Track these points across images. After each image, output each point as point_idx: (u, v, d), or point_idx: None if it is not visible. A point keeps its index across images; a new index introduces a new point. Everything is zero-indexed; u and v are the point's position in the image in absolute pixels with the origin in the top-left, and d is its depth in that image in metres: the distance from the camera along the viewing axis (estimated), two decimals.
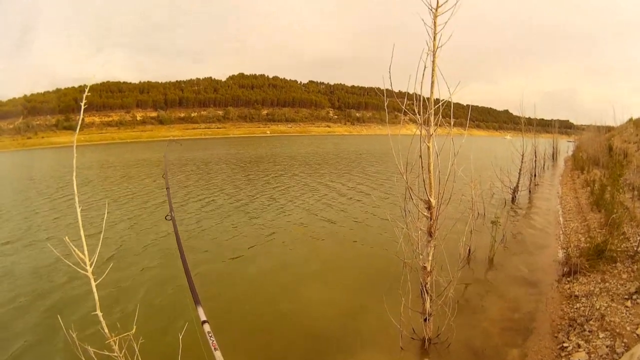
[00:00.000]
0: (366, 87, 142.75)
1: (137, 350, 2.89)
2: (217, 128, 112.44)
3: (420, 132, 3.89)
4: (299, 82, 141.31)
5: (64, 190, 16.93)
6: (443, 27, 3.97)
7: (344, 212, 11.92)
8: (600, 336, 4.26)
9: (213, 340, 2.49)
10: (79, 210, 2.72)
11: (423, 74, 3.85)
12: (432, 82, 3.94)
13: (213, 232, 9.77)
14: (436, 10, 3.91)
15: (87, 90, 2.81)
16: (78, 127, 3.13)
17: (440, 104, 3.96)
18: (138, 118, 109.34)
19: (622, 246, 6.50)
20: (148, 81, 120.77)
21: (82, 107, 2.81)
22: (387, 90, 4.03)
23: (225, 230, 10.01)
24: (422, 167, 3.90)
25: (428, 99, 3.94)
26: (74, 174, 2.59)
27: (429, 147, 3.89)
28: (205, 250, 8.34)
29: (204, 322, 2.70)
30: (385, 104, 4.07)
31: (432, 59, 3.95)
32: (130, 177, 22.20)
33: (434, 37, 3.97)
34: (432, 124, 3.88)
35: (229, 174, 22.73)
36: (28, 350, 4.69)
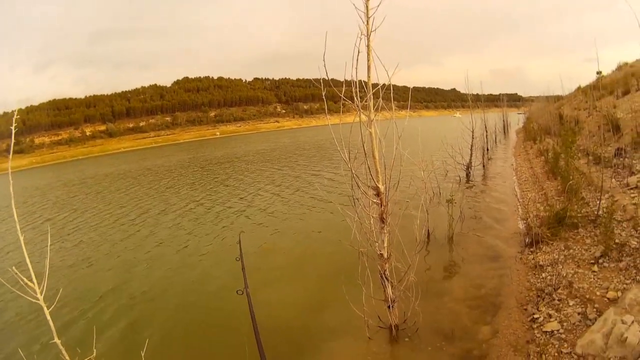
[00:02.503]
0: (311, 79, 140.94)
1: None
2: (167, 135, 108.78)
3: (360, 118, 3.78)
4: (244, 81, 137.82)
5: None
6: (375, 10, 3.89)
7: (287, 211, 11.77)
8: (571, 304, 4.23)
9: None
10: (22, 238, 2.72)
11: (357, 59, 3.74)
12: (369, 67, 3.85)
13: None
14: None
15: (15, 114, 2.78)
16: (11, 154, 3.27)
17: (378, 87, 3.87)
18: (87, 133, 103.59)
19: (582, 211, 6.40)
20: (94, 95, 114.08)
21: (13, 132, 2.79)
22: (324, 80, 3.91)
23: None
24: (366, 153, 3.79)
25: (367, 83, 3.84)
26: (12, 200, 2.74)
27: (370, 133, 3.79)
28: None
29: None
30: (323, 94, 3.92)
31: (366, 43, 3.86)
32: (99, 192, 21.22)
33: (367, 21, 3.88)
34: (372, 109, 3.78)
35: (198, 180, 21.97)
36: None
